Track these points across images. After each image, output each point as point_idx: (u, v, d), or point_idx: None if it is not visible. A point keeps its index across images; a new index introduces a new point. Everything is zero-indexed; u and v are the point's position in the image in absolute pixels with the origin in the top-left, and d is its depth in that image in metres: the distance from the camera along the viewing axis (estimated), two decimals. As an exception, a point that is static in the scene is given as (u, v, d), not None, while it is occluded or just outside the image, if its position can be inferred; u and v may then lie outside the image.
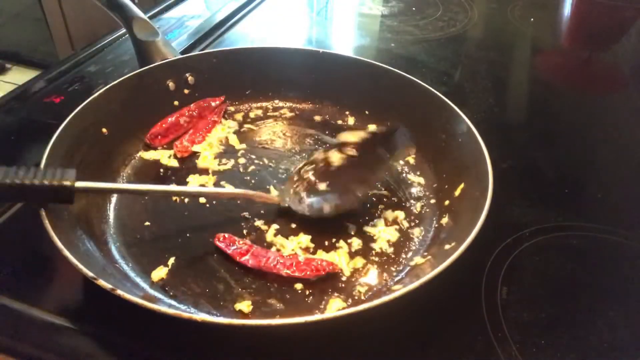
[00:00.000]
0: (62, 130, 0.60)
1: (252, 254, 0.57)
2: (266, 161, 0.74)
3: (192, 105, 0.78)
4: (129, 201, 0.65)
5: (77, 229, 0.56)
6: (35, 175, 0.50)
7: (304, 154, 0.75)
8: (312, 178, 0.64)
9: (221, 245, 0.59)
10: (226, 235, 0.60)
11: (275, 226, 0.63)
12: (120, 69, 0.89)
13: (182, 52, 0.92)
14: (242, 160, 0.74)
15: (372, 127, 0.63)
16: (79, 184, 0.52)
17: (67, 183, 0.50)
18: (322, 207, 0.62)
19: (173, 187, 0.64)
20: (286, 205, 0.64)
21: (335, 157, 0.64)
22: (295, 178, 0.65)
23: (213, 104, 0.80)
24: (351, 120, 0.82)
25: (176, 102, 0.78)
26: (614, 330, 0.55)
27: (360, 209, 0.65)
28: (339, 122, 0.82)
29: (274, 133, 0.80)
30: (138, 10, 0.80)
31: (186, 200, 0.66)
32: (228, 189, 0.63)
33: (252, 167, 0.73)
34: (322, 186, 0.63)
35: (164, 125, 0.75)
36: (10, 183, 0.48)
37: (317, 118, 0.83)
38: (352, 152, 0.63)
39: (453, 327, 0.54)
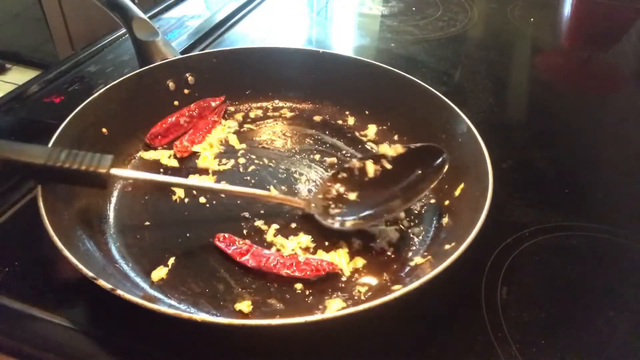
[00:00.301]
0: (62, 130, 0.60)
1: (252, 254, 0.57)
2: (266, 161, 0.74)
3: (192, 105, 0.78)
4: (129, 201, 0.65)
5: (77, 229, 0.56)
6: (74, 159, 0.53)
7: (304, 154, 0.75)
8: (343, 188, 0.65)
9: (221, 245, 0.59)
10: (226, 235, 0.60)
11: (275, 226, 0.63)
12: (120, 69, 0.89)
13: (182, 52, 0.92)
14: (242, 160, 0.74)
15: (414, 145, 0.63)
16: (114, 171, 0.55)
17: (102, 170, 0.54)
18: (346, 222, 0.62)
19: (204, 183, 0.63)
20: (311, 212, 0.64)
21: (371, 168, 0.64)
22: (328, 184, 0.66)
23: (213, 104, 0.80)
24: (351, 121, 0.82)
25: (176, 102, 0.78)
26: (614, 330, 0.55)
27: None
28: (339, 122, 0.82)
29: (274, 133, 0.80)
30: (138, 10, 0.80)
31: (186, 200, 0.66)
32: (256, 190, 0.64)
33: (252, 167, 0.73)
34: (352, 196, 0.64)
35: (164, 125, 0.75)
36: (52, 165, 0.52)
37: (317, 118, 0.82)
38: (387, 165, 0.63)
39: (453, 327, 0.54)
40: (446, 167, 0.58)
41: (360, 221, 0.62)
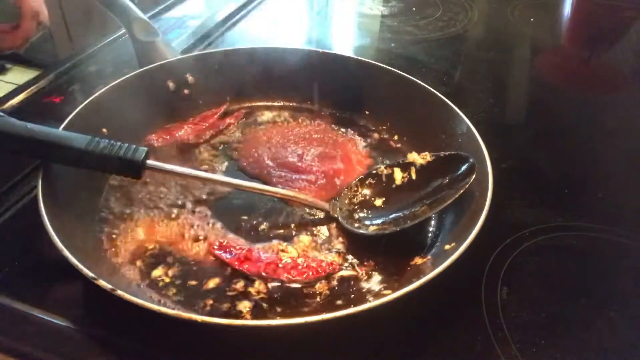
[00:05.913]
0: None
1: (251, 261, 0.57)
2: (265, 160, 0.74)
3: (197, 117, 0.78)
4: (128, 201, 0.65)
5: (77, 229, 0.56)
6: (112, 149, 0.56)
7: (303, 154, 0.75)
8: (369, 193, 0.65)
9: (219, 253, 0.58)
10: (224, 242, 0.59)
11: (275, 226, 0.63)
12: (120, 69, 0.88)
13: (182, 52, 0.92)
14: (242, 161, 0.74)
15: (443, 153, 0.64)
16: (149, 163, 0.58)
17: (137, 160, 0.56)
18: (370, 227, 0.62)
19: (232, 179, 0.63)
20: (336, 215, 0.64)
21: (398, 175, 0.64)
22: (355, 189, 0.66)
23: (218, 114, 0.80)
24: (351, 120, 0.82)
25: (177, 104, 0.77)
26: (614, 330, 0.55)
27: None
28: (339, 121, 0.82)
29: (274, 132, 0.79)
30: (138, 10, 0.80)
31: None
32: (284, 190, 0.64)
33: (252, 166, 0.73)
34: (379, 202, 0.64)
35: (168, 134, 0.75)
36: (91, 151, 0.55)
37: (317, 118, 0.82)
38: (414, 172, 0.64)
39: (453, 327, 0.54)
40: (474, 175, 0.58)
41: (384, 227, 0.62)
